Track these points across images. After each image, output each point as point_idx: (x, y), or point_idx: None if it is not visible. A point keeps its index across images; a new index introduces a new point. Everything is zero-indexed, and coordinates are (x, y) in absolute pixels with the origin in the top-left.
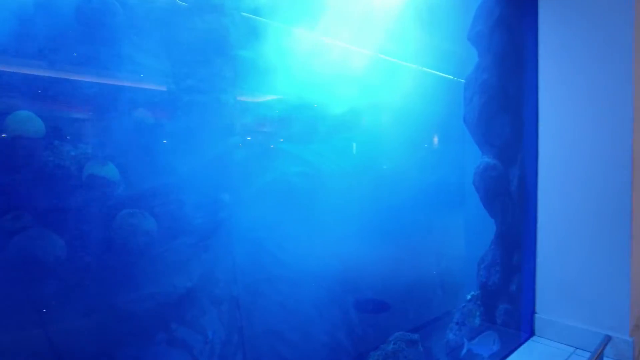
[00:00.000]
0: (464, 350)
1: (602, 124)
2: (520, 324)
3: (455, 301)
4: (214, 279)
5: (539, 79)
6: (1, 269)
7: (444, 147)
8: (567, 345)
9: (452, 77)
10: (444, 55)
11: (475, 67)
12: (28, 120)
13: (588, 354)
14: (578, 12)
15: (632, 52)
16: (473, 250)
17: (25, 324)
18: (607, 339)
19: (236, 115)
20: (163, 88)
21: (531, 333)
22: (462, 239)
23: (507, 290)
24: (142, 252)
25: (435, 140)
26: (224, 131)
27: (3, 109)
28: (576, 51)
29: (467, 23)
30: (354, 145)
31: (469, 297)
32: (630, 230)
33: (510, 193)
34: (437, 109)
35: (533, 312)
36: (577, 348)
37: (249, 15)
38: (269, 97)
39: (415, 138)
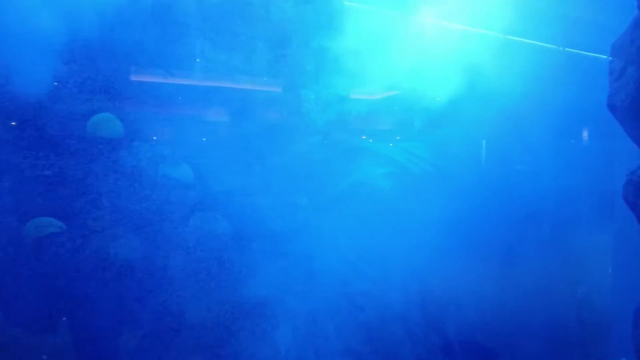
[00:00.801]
0: None
1: None
2: None
3: None
4: (289, 290)
5: None
6: (81, 268)
7: (583, 143)
8: None
9: (591, 53)
10: (582, 25)
11: (633, 23)
12: (107, 122)
13: None
14: None
15: None
16: (624, 289)
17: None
18: None
19: (317, 111)
20: (238, 85)
21: None
22: (608, 269)
23: None
24: (214, 256)
25: (571, 134)
26: (303, 129)
27: (85, 111)
28: None
29: None
30: (456, 142)
31: None
32: None
33: None
34: (572, 93)
35: None
36: None
37: None
38: (355, 91)
39: (541, 132)
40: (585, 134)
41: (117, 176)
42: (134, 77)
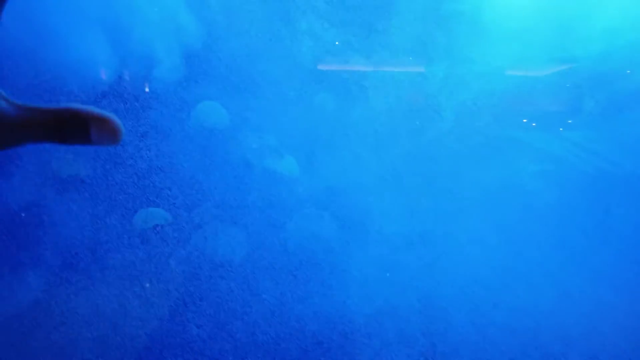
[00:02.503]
0: None
1: None
2: None
3: None
4: (404, 307)
5: None
6: (181, 266)
7: None
8: None
9: None
10: None
11: None
12: (212, 111)
13: None
14: None
15: None
16: None
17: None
18: None
19: (446, 92)
20: (350, 67)
21: None
22: None
23: None
24: (315, 261)
25: None
26: (429, 115)
27: (191, 100)
28: None
29: None
30: None
31: None
32: None
33: None
34: None
35: None
36: None
37: None
38: (501, 65)
39: None
40: None
41: (221, 167)
42: (237, 61)
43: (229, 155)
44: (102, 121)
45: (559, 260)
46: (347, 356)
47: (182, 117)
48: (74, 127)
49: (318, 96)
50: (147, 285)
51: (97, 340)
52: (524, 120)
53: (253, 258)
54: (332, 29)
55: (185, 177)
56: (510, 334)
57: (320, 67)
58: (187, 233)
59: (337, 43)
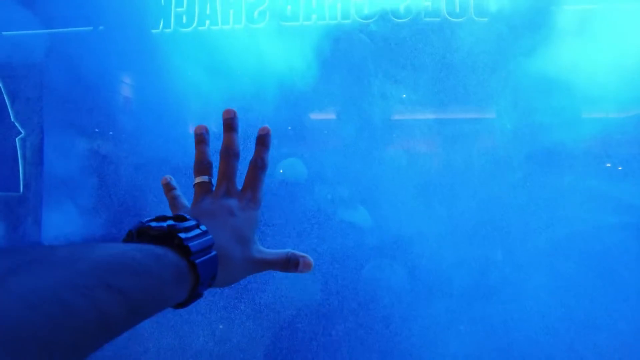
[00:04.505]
0: None
1: None
2: None
3: None
4: None
5: None
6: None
7: None
8: None
9: None
10: None
11: None
12: (293, 167)
13: None
14: None
15: None
16: None
17: None
18: None
19: (517, 143)
20: (414, 121)
21: None
22: None
23: None
24: (383, 314)
25: None
26: (499, 166)
27: (277, 156)
28: None
29: None
30: None
31: None
32: None
33: None
34: None
35: None
36: None
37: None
38: (569, 114)
39: None
40: None
41: (299, 217)
42: (313, 118)
43: (306, 206)
44: (306, 261)
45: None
46: None
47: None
48: (292, 265)
49: (388, 150)
50: (221, 327)
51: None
52: (608, 165)
53: (327, 304)
54: (401, 88)
55: (267, 225)
56: None
57: (390, 122)
58: (264, 279)
59: (404, 96)
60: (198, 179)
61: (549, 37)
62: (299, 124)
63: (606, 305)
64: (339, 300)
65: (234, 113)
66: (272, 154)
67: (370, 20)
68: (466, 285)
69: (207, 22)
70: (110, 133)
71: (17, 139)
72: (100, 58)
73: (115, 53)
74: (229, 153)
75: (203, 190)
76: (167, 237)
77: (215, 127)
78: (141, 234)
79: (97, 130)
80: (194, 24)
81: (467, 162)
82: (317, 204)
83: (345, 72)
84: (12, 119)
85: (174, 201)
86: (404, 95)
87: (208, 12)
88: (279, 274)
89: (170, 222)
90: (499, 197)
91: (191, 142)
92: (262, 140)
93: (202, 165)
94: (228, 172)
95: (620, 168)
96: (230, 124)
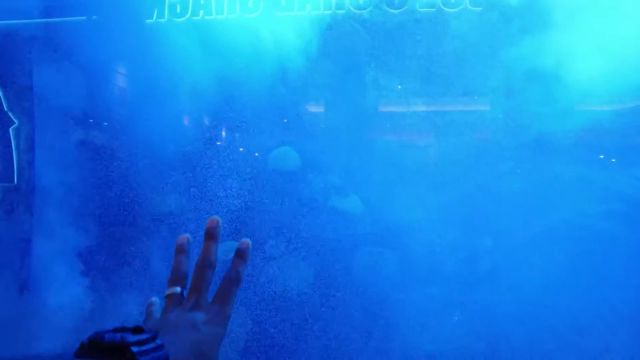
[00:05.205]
0: None
1: None
2: None
3: None
4: (467, 349)
5: None
6: (256, 296)
7: None
8: None
9: None
10: None
11: None
12: (286, 156)
13: None
14: None
15: None
16: None
17: None
18: None
19: (508, 132)
20: (406, 110)
21: None
22: None
23: None
24: (380, 298)
25: None
26: (490, 155)
27: (269, 146)
28: None
29: None
30: None
31: None
32: None
33: None
34: None
35: None
36: None
37: None
38: (561, 105)
39: None
40: None
41: (293, 206)
42: (309, 109)
43: (299, 194)
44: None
45: (628, 301)
46: None
47: (261, 160)
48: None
49: (381, 139)
50: None
51: None
52: (601, 157)
53: (320, 291)
54: (394, 77)
55: (260, 214)
56: None
57: (383, 112)
58: (260, 265)
59: (399, 87)
60: (169, 290)
61: (543, 28)
62: (292, 113)
63: (594, 289)
64: (330, 287)
65: (217, 222)
66: (265, 142)
67: (364, 11)
68: (457, 272)
69: (201, 11)
70: (105, 124)
71: (10, 129)
72: (94, 48)
73: (109, 43)
74: (204, 264)
75: (173, 301)
76: (119, 350)
77: (207, 121)
78: (94, 345)
79: (91, 120)
80: (188, 14)
81: (458, 151)
82: (310, 192)
83: (339, 62)
84: (6, 109)
85: (149, 309)
86: (400, 87)
87: (202, 1)
88: (266, 267)
89: (126, 334)
90: (490, 185)
91: (185, 131)
92: (241, 254)
93: (176, 275)
94: (200, 285)
95: (613, 160)
96: (212, 232)
